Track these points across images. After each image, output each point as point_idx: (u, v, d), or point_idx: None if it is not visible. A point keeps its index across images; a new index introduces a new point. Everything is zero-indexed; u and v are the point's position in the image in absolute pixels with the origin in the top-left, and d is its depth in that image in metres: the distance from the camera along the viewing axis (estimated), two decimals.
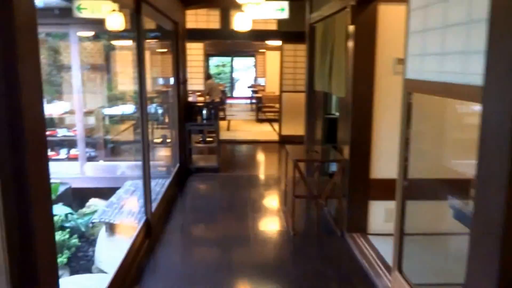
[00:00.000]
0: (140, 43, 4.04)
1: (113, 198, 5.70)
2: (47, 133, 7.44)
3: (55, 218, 5.31)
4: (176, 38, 6.40)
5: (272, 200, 5.69)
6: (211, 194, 6.17)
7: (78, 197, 6.66)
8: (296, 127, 8.62)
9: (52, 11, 6.03)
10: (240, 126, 11.52)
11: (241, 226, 4.67)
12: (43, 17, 6.08)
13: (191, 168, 6.87)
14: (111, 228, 5.02)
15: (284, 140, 8.67)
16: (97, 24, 5.88)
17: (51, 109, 6.81)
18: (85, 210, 6.44)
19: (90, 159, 6.78)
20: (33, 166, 1.37)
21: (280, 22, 8.62)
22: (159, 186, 5.63)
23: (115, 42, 7.42)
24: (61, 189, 6.26)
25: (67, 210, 5.56)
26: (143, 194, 4.33)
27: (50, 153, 6.82)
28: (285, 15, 7.41)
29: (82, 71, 6.49)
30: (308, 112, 6.49)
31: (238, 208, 5.34)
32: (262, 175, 7.03)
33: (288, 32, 8.55)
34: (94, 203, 6.61)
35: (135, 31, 4.04)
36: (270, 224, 4.85)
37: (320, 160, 4.89)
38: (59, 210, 5.49)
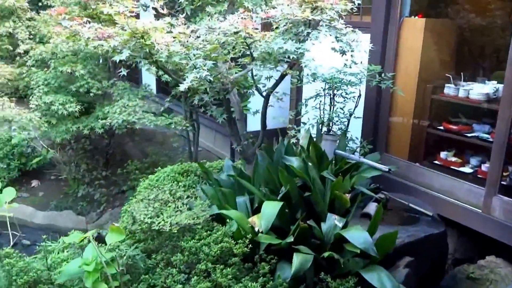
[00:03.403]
0: None
1: None
2: (454, 126, 4.80)
3: None
4: None
5: None
6: None
7: (471, 248, 4.05)
8: None
9: None
10: None
11: None
12: None
13: None
14: None
15: None
16: None
17: (479, 89, 4.08)
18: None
19: (508, 189, 3.75)
20: None
21: None
22: None
23: None
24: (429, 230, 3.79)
25: None
26: None
27: (451, 158, 4.34)
28: None
29: None
30: None
31: None
32: None
33: None
34: (491, 264, 3.86)
35: None
36: None
37: None
38: None
